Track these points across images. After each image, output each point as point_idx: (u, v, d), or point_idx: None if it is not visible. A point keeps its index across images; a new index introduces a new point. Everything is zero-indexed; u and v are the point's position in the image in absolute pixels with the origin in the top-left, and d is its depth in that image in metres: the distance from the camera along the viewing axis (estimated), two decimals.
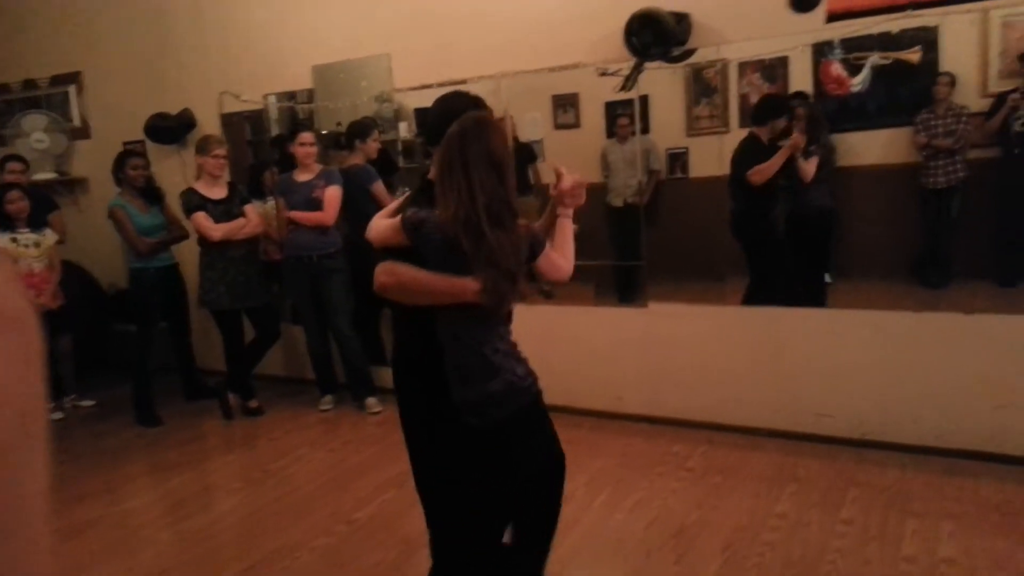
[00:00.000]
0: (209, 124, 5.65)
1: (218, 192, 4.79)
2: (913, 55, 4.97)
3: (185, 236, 5.06)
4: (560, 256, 2.12)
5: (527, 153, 5.60)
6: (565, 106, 5.51)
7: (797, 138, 4.34)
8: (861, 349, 3.71)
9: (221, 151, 4.79)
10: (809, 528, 3.01)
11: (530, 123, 5.64)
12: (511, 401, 1.97)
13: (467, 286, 1.89)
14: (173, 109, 5.75)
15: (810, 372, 3.82)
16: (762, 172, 4.29)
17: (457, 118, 1.95)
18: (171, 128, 5.74)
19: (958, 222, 5.01)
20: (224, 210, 4.76)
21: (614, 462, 3.78)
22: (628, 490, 3.46)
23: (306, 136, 4.67)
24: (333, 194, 4.67)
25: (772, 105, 4.54)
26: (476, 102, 2.14)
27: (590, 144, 4.87)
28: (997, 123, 4.80)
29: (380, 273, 2.05)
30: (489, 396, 1.95)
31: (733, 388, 3.97)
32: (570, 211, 2.15)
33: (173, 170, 5.75)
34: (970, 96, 4.99)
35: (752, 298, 4.31)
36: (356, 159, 4.87)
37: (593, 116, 5.19)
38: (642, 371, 4.24)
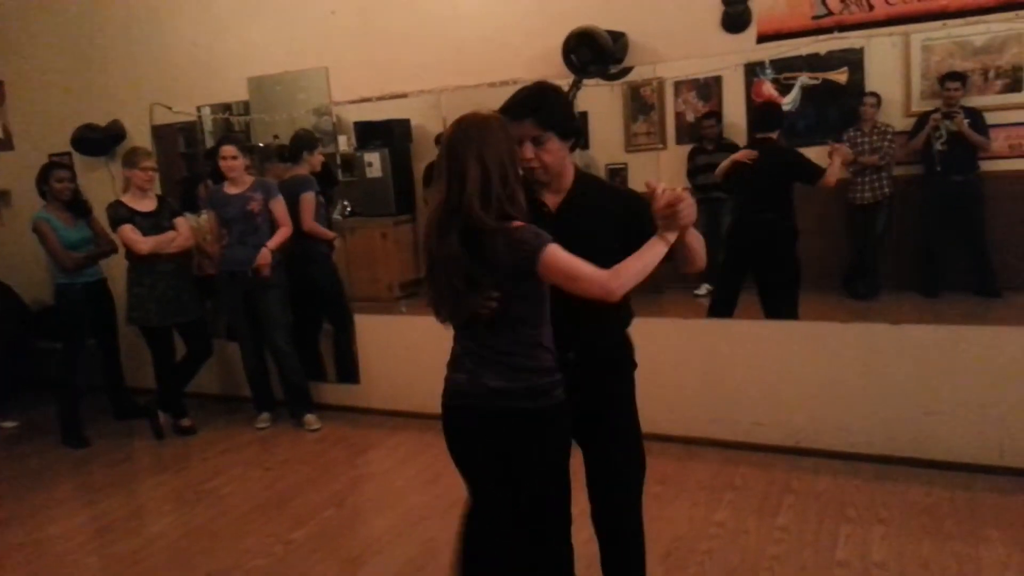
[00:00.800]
0: (140, 136, 5.49)
1: (147, 205, 4.66)
2: (840, 75, 5.16)
3: (114, 250, 4.89)
4: (597, 269, 1.88)
5: None
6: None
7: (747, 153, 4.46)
8: (795, 360, 3.80)
9: (149, 163, 4.67)
10: (747, 535, 3.06)
11: None
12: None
13: None
14: (102, 120, 5.58)
15: (747, 383, 3.90)
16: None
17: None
18: (99, 140, 5.57)
19: (884, 236, 5.20)
20: (153, 223, 4.63)
21: None
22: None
23: (227, 149, 4.56)
24: (283, 208, 4.63)
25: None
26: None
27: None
28: (920, 142, 5.00)
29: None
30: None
31: (672, 399, 4.02)
32: (671, 233, 1.92)
33: (102, 183, 5.57)
34: (895, 115, 5.20)
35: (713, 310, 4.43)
36: (301, 170, 4.81)
37: None
38: None
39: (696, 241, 2.06)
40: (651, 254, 1.91)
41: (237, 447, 4.61)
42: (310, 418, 4.78)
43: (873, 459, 3.64)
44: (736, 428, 3.91)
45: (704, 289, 5.41)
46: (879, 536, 3.02)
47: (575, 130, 2.11)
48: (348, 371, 5.03)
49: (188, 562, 3.27)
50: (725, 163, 4.54)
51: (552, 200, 2.15)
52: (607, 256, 1.92)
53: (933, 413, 3.54)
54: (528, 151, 2.04)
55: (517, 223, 1.92)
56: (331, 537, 3.41)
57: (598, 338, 2.19)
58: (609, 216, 2.11)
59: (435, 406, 4.80)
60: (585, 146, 5.13)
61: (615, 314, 2.17)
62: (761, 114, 4.73)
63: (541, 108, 2.04)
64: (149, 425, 4.84)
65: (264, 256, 4.55)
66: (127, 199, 4.64)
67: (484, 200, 1.88)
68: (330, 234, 4.86)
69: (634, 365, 2.31)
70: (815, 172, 4.72)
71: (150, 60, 5.41)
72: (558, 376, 2.03)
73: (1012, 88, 4.86)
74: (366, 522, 3.65)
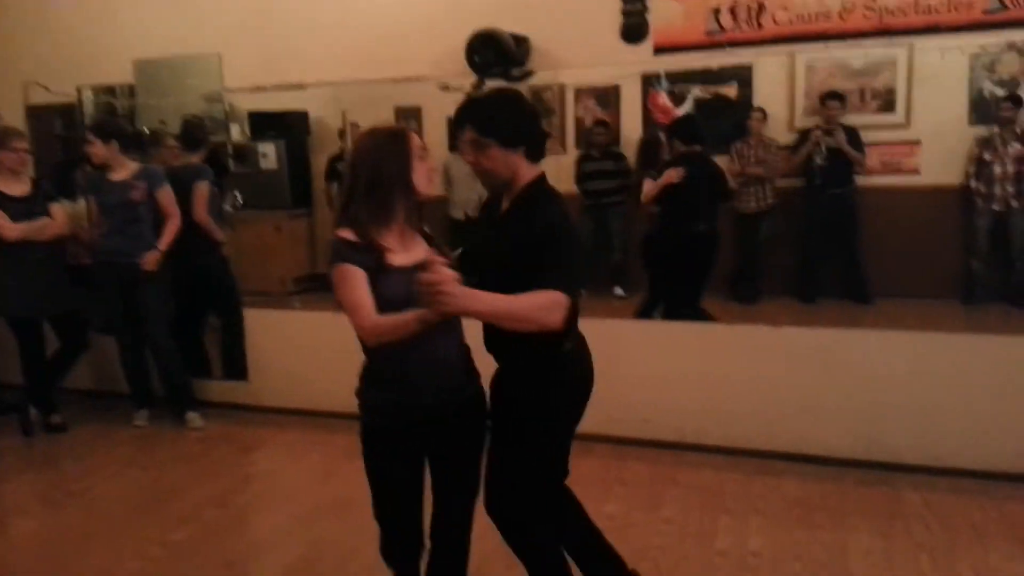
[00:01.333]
0: (12, 116, 5.16)
1: (18, 189, 4.37)
2: (731, 90, 5.39)
3: None
4: (370, 310, 1.94)
5: None
6: (408, 119, 5.50)
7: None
8: (682, 359, 3.93)
9: (21, 144, 4.37)
10: (635, 528, 3.14)
11: None
12: None
13: None
14: None
15: (637, 381, 3.99)
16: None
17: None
18: None
19: (766, 244, 5.47)
20: (25, 209, 4.34)
21: None
22: None
23: (87, 135, 4.33)
24: (169, 197, 4.41)
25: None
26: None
27: (432, 157, 4.89)
28: (803, 156, 5.29)
29: None
30: None
31: None
32: (431, 312, 1.85)
33: None
34: (779, 130, 5.47)
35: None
36: (196, 158, 4.61)
37: (436, 130, 5.23)
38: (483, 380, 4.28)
39: (498, 315, 1.94)
40: (411, 320, 1.88)
41: (112, 445, 4.37)
42: (192, 416, 4.58)
43: (753, 454, 3.80)
44: (626, 425, 4.00)
45: (619, 291, 5.56)
46: (756, 527, 3.16)
47: (522, 138, 2.06)
48: (236, 367, 4.86)
49: (56, 565, 3.08)
50: (654, 188, 4.54)
51: (504, 206, 2.18)
52: (508, 274, 2.00)
53: (808, 411, 3.73)
54: (467, 155, 2.12)
55: (343, 233, 2.00)
56: (213, 538, 3.27)
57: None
58: (514, 236, 2.06)
59: (327, 403, 4.75)
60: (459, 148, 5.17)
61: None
62: (688, 126, 4.82)
63: (479, 116, 2.08)
64: (17, 421, 4.53)
65: (153, 258, 4.34)
66: None
67: (344, 206, 2.03)
68: (219, 234, 4.67)
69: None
70: (728, 189, 4.93)
71: (27, 36, 5.09)
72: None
73: (886, 108, 5.21)
74: (251, 522, 3.54)
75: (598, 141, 5.60)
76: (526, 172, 2.10)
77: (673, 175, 4.46)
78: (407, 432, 2.11)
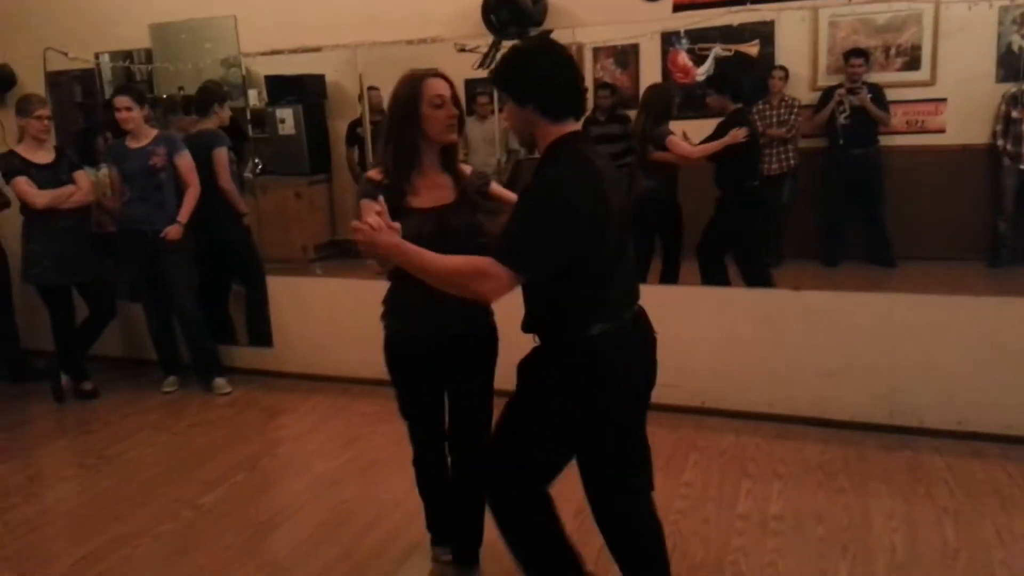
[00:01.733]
0: (32, 83, 5.16)
1: (43, 157, 4.40)
2: (752, 48, 5.28)
3: (5, 204, 4.62)
4: None
5: None
6: None
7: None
8: (703, 323, 3.93)
9: (44, 112, 4.39)
10: (655, 492, 3.16)
11: (388, 98, 5.55)
12: None
13: None
14: None
15: (658, 346, 4.00)
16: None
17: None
18: None
19: (789, 207, 5.41)
20: (50, 176, 4.38)
21: None
22: None
23: (121, 100, 4.30)
24: (189, 164, 4.42)
25: None
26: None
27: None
28: (825, 116, 5.19)
29: None
30: None
31: None
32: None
33: None
34: (801, 89, 5.37)
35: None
36: (209, 124, 4.61)
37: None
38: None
39: (419, 271, 1.90)
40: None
41: (143, 411, 4.46)
42: (219, 382, 4.66)
43: (773, 418, 3.82)
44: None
45: None
46: (777, 490, 3.18)
47: (531, 95, 1.92)
48: (261, 334, 4.91)
49: (90, 528, 3.17)
50: (716, 146, 4.44)
51: None
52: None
53: (829, 375, 3.73)
54: (504, 114, 2.10)
55: (371, 173, 2.29)
56: (242, 501, 3.36)
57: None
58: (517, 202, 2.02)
59: (350, 369, 4.81)
60: (502, 109, 5.12)
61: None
62: (740, 84, 4.68)
63: (498, 71, 2.01)
64: (50, 388, 4.63)
65: (175, 231, 4.37)
66: (21, 150, 4.37)
67: (379, 148, 2.30)
68: (243, 205, 4.68)
69: None
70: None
71: (44, 1, 5.07)
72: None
73: (911, 66, 5.09)
74: (278, 486, 3.61)
75: (603, 104, 5.53)
76: (547, 131, 1.95)
77: (739, 134, 4.40)
78: (408, 349, 2.43)
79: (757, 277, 4.37)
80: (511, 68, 1.98)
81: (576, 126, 1.98)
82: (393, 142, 2.23)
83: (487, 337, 2.47)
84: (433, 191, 2.26)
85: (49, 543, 3.10)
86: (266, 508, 3.31)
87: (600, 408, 2.02)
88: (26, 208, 4.36)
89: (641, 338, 2.13)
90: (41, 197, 4.31)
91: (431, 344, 2.37)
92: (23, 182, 4.29)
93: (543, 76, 1.93)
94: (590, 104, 5.67)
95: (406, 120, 2.20)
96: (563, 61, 1.97)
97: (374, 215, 1.89)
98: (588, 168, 1.93)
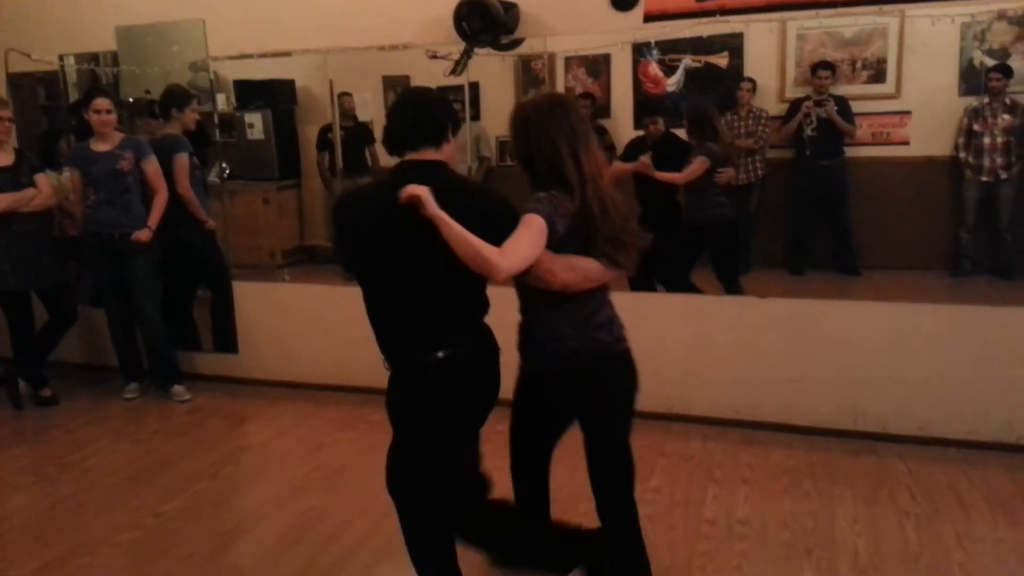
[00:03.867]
0: None
1: (3, 159, 4.31)
2: (722, 60, 5.35)
3: None
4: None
5: (365, 133, 5.50)
6: (396, 87, 5.45)
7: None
8: (670, 331, 3.95)
9: (4, 113, 4.31)
10: None
11: (360, 104, 5.54)
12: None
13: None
14: None
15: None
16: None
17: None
18: None
19: (756, 217, 5.47)
20: (10, 179, 4.29)
21: None
22: None
23: (101, 102, 4.24)
24: (156, 170, 4.37)
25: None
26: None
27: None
28: (792, 127, 5.26)
29: (561, 271, 2.08)
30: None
31: None
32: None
33: None
34: (770, 100, 5.44)
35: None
36: (172, 129, 4.55)
37: None
38: None
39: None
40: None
41: (103, 418, 4.37)
42: (178, 389, 4.58)
43: (740, 424, 3.84)
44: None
45: None
46: (743, 496, 3.20)
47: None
48: (226, 341, 4.85)
49: (49, 537, 3.09)
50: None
51: None
52: None
53: (795, 382, 3.76)
54: None
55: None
56: (205, 509, 3.30)
57: None
58: None
59: (317, 375, 4.76)
60: (476, 118, 5.12)
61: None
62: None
63: None
64: (7, 395, 4.52)
65: (145, 235, 4.31)
66: None
67: None
68: (203, 213, 4.61)
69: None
70: None
71: (7, 1, 4.98)
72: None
73: (876, 79, 5.19)
74: (243, 493, 3.56)
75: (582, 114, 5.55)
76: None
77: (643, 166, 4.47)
78: None
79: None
80: None
81: (419, 155, 2.12)
82: None
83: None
84: None
85: (7, 552, 3.01)
86: (230, 516, 3.26)
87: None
88: None
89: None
90: (1, 200, 4.22)
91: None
92: None
93: (386, 125, 2.19)
94: None
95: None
96: (401, 106, 2.20)
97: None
98: (370, 192, 2.27)
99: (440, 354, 2.09)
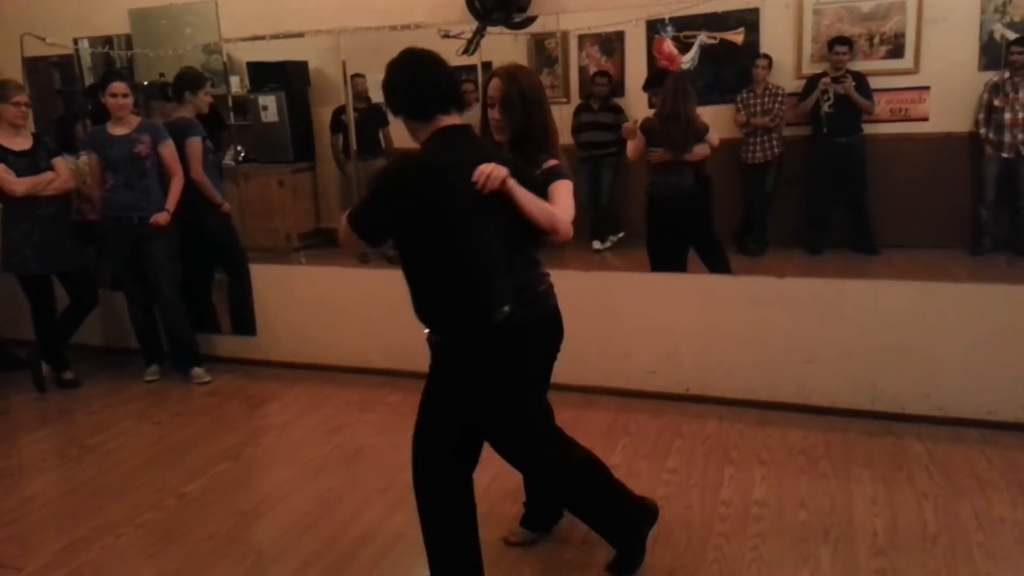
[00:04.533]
0: (9, 69, 5.07)
1: (21, 143, 4.34)
2: (737, 36, 5.28)
3: None
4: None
5: (379, 115, 5.49)
6: None
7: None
8: (686, 311, 3.94)
9: (22, 98, 4.33)
10: (639, 478, 3.18)
11: (373, 85, 5.52)
12: None
13: None
14: None
15: (641, 333, 4.01)
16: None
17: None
18: None
19: (773, 195, 5.43)
20: (28, 163, 4.32)
21: None
22: None
23: (118, 86, 4.26)
24: (172, 153, 4.39)
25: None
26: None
27: None
28: (810, 104, 5.21)
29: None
30: None
31: (571, 350, 4.09)
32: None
33: None
34: (786, 77, 5.38)
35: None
36: (185, 112, 4.56)
37: None
38: None
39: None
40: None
41: (125, 401, 4.42)
42: (198, 371, 4.62)
43: (756, 405, 3.84)
44: (631, 377, 4.03)
45: (606, 243, 5.51)
46: (760, 476, 3.20)
47: (399, 106, 2.17)
48: (244, 323, 4.88)
49: (73, 518, 3.14)
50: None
51: None
52: None
53: (812, 362, 3.75)
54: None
55: None
56: (226, 490, 3.34)
57: None
58: None
59: (335, 357, 4.79)
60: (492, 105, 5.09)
61: None
62: None
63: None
64: (31, 378, 4.58)
65: (163, 217, 4.34)
66: None
67: None
68: (217, 196, 4.62)
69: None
70: None
71: None
72: None
73: (894, 54, 5.12)
74: (263, 475, 3.60)
75: (599, 92, 5.51)
76: (423, 132, 2.15)
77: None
78: None
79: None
80: (384, 86, 2.17)
81: (452, 119, 2.14)
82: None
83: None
84: None
85: (31, 533, 3.07)
86: (250, 497, 3.30)
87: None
88: (4, 196, 4.30)
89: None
90: (20, 184, 4.25)
91: None
92: (1, 169, 4.23)
93: (401, 84, 2.13)
94: (576, 90, 5.67)
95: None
96: (417, 64, 2.14)
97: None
98: (436, 160, 2.10)
99: (510, 308, 2.19)
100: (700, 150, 4.33)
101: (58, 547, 2.93)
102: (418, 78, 2.12)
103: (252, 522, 3.08)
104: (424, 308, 2.19)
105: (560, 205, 2.20)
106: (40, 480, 3.55)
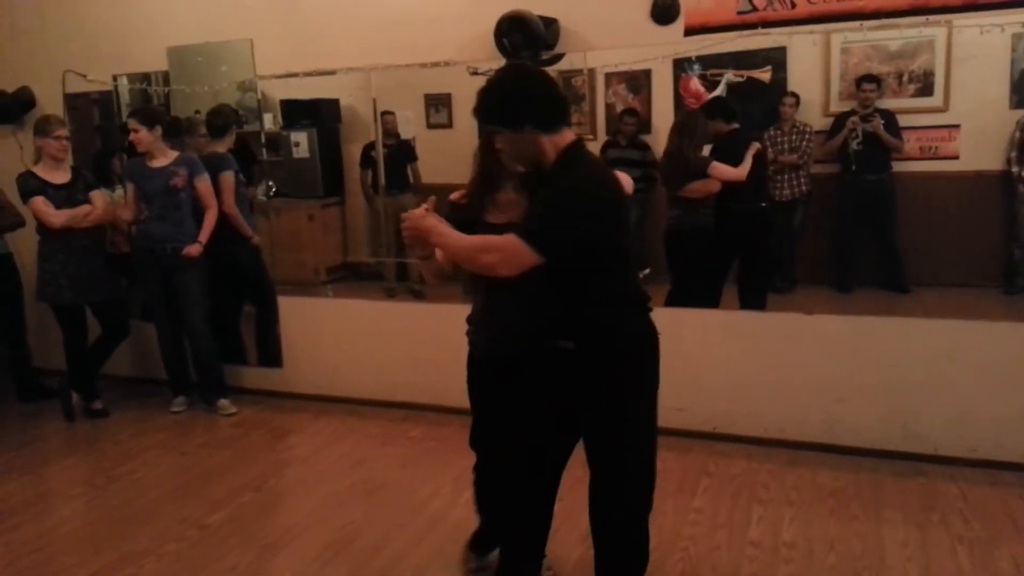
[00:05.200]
0: (51, 104, 5.23)
1: (60, 177, 4.46)
2: (764, 74, 5.29)
3: (19, 223, 4.67)
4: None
5: (407, 151, 5.57)
6: (438, 105, 5.50)
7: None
8: (714, 347, 3.90)
9: (63, 132, 4.46)
10: (665, 516, 3.13)
11: (403, 121, 5.61)
12: None
13: None
14: (9, 87, 5.29)
15: (668, 370, 3.95)
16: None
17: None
18: (7, 107, 5.28)
19: (801, 232, 5.38)
20: (67, 196, 4.43)
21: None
22: None
23: (129, 122, 4.43)
24: (208, 187, 4.50)
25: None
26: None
27: (463, 144, 4.86)
28: (838, 142, 5.18)
29: None
30: None
31: None
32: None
33: (9, 153, 5.27)
34: (814, 115, 5.37)
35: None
36: (220, 147, 4.66)
37: (465, 117, 5.17)
38: None
39: (450, 250, 2.13)
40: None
41: (151, 431, 4.46)
42: (224, 402, 4.65)
43: (785, 444, 3.77)
44: (659, 414, 3.98)
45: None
46: (789, 517, 3.13)
47: (523, 116, 2.05)
48: (271, 355, 4.92)
49: (97, 546, 3.16)
50: (748, 165, 4.50)
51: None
52: None
53: (842, 401, 3.68)
54: (496, 144, 2.22)
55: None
56: (249, 522, 3.34)
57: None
58: (537, 202, 2.19)
59: (359, 390, 4.79)
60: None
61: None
62: (728, 108, 4.78)
63: (480, 106, 2.13)
64: (61, 406, 4.64)
65: (196, 249, 4.42)
66: (39, 170, 4.43)
67: None
68: (247, 229, 4.71)
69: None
70: None
71: (63, 24, 5.16)
72: None
73: (924, 92, 5.08)
74: (285, 507, 3.59)
75: (627, 130, 5.54)
76: (551, 144, 2.07)
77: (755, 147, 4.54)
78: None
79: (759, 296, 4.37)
80: (498, 97, 2.09)
81: (572, 135, 2.12)
82: (476, 167, 2.43)
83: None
84: (507, 210, 2.33)
85: (56, 561, 3.08)
86: (272, 529, 3.30)
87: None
88: (43, 228, 4.41)
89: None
90: (58, 217, 4.36)
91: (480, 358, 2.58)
92: (40, 202, 4.34)
93: (532, 95, 2.07)
94: (603, 128, 5.70)
95: (484, 148, 2.35)
96: (542, 77, 2.14)
97: (422, 208, 2.14)
98: (606, 170, 2.17)
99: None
100: (698, 187, 4.40)
101: (83, 575, 2.94)
102: (551, 89, 2.13)
103: (274, 554, 3.07)
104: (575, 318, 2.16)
105: None
106: (66, 508, 3.58)
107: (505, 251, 2.00)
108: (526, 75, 2.15)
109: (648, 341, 2.24)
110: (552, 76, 2.19)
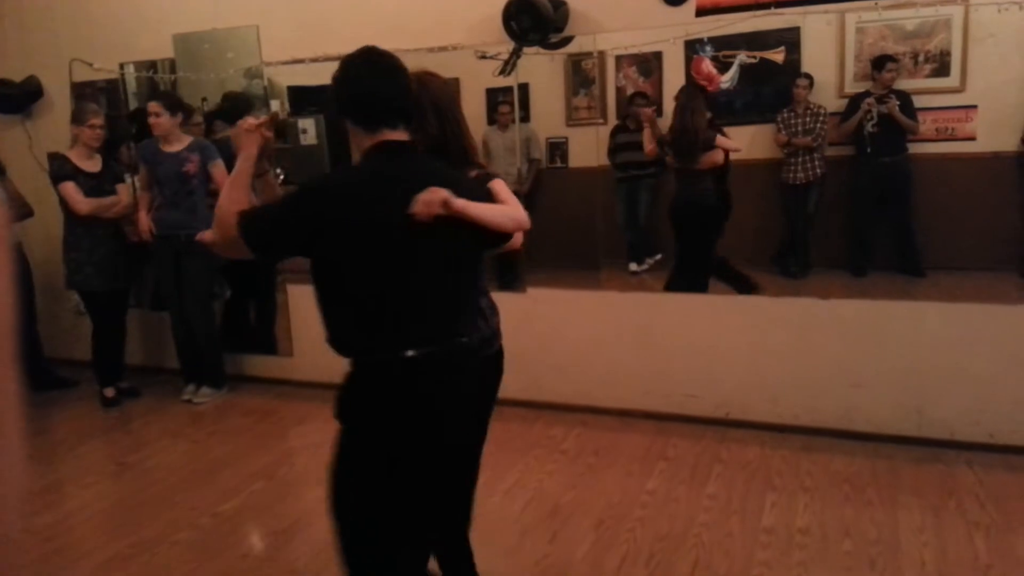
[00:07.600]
0: (58, 94, 5.23)
1: (92, 165, 4.49)
2: (778, 55, 5.21)
3: (28, 214, 4.68)
4: None
5: None
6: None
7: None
8: (726, 333, 3.87)
9: (98, 121, 4.49)
10: (677, 503, 3.11)
11: None
12: None
13: None
14: (17, 76, 5.28)
15: (679, 355, 3.95)
16: None
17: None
18: (14, 96, 5.27)
19: (815, 216, 5.32)
20: (95, 185, 4.46)
21: (491, 447, 3.72)
22: (504, 473, 3.47)
23: (151, 105, 4.40)
24: (223, 172, 4.45)
25: None
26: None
27: (471, 130, 4.84)
28: (853, 124, 5.10)
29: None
30: None
31: (608, 372, 4.05)
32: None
33: (17, 142, 5.28)
34: (828, 96, 5.29)
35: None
36: (228, 133, 4.64)
37: (474, 102, 5.17)
38: (520, 356, 4.23)
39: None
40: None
41: (163, 419, 4.47)
42: (205, 390, 4.67)
43: (799, 430, 3.74)
44: (669, 400, 3.96)
45: (643, 265, 5.44)
46: (803, 504, 3.11)
47: (341, 109, 1.93)
48: (280, 343, 4.91)
49: (110, 534, 3.17)
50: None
51: None
52: None
53: (857, 386, 3.65)
54: None
55: None
56: (260, 509, 3.34)
57: None
58: None
59: None
60: (526, 119, 5.09)
61: None
62: None
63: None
64: (99, 393, 4.70)
65: (208, 235, 4.40)
66: (73, 155, 4.46)
67: None
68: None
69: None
70: None
71: (70, 13, 5.13)
72: None
73: (940, 72, 5.00)
74: (297, 494, 3.59)
75: (638, 115, 5.48)
76: (361, 141, 1.90)
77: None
78: None
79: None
80: (333, 83, 1.95)
81: (396, 135, 1.88)
82: None
83: None
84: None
85: (69, 549, 3.10)
86: (284, 516, 3.30)
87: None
88: (69, 214, 4.43)
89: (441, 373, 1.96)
90: (85, 204, 4.38)
91: None
92: (71, 187, 4.37)
93: (348, 89, 1.90)
94: (613, 111, 5.65)
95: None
96: (377, 72, 1.90)
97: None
98: (362, 178, 1.88)
99: (465, 339, 2.01)
100: (710, 158, 4.49)
101: (95, 564, 2.95)
102: (376, 83, 1.89)
103: (285, 542, 3.08)
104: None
105: (509, 202, 2.02)
106: (79, 496, 3.59)
107: (226, 228, 1.88)
108: (358, 64, 1.94)
109: (375, 395, 1.95)
110: (397, 66, 1.93)
